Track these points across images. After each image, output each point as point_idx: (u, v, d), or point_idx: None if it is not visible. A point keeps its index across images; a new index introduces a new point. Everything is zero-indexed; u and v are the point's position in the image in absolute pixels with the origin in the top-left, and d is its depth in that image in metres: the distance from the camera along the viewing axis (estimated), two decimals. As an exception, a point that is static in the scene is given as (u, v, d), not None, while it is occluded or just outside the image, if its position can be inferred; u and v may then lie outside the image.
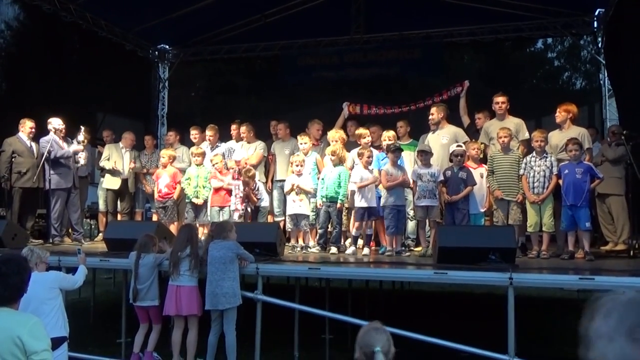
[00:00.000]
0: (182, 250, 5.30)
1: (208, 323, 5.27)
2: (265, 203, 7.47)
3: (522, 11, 10.43)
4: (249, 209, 7.20)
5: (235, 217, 7.17)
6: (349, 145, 7.43)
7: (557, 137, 6.66)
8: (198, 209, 7.54)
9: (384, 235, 6.62)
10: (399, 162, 6.65)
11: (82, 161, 7.91)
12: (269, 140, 8.50)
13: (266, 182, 8.02)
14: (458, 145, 6.59)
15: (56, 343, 3.90)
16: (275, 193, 7.88)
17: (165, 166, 7.87)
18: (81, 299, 8.28)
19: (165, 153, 8.00)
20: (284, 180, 7.51)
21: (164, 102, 13.07)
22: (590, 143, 6.71)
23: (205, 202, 7.55)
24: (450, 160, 6.56)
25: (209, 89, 14.57)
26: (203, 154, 7.84)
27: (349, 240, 7.11)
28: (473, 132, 7.52)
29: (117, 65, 11.32)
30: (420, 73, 11.37)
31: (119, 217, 8.71)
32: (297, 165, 7.05)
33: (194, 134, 8.58)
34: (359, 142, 7.22)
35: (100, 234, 8.60)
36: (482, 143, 7.05)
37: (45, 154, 7.40)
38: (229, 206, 7.36)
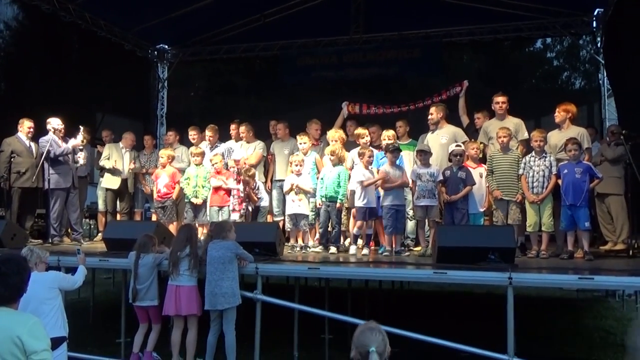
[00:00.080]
0: (181, 250, 5.30)
1: (208, 323, 5.27)
2: (265, 203, 7.47)
3: (522, 11, 10.45)
4: (249, 208, 7.20)
5: (236, 217, 7.16)
6: (349, 145, 7.43)
7: (556, 137, 6.66)
8: (197, 209, 7.54)
9: (384, 235, 6.62)
10: (397, 162, 6.65)
11: (81, 161, 7.90)
12: (268, 140, 8.50)
13: (265, 182, 8.02)
14: (457, 145, 6.59)
15: (56, 343, 3.89)
16: (275, 193, 7.88)
17: (164, 166, 7.86)
18: (81, 298, 8.28)
19: (164, 153, 8.00)
20: (283, 180, 7.51)
21: (163, 102, 13.09)
22: (589, 143, 6.71)
23: (205, 202, 7.55)
24: (450, 160, 6.56)
25: (208, 88, 14.56)
26: (202, 154, 7.84)
27: (348, 240, 7.12)
28: (472, 131, 7.52)
29: (116, 65, 11.32)
30: (419, 73, 11.38)
31: (118, 217, 8.71)
32: (296, 165, 7.05)
33: (192, 134, 8.57)
34: (358, 142, 7.23)
35: (100, 234, 8.60)
36: (481, 143, 7.05)
37: (45, 153, 7.39)
38: (228, 206, 7.36)
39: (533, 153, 6.40)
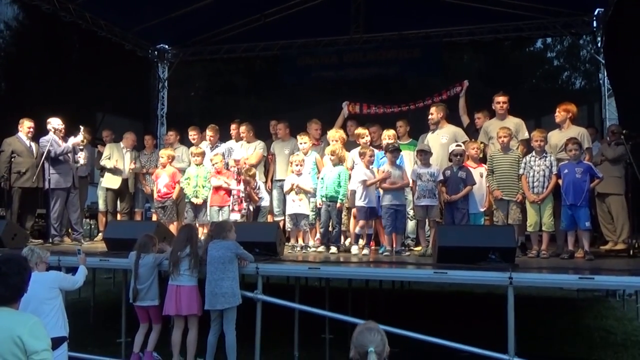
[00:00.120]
0: (181, 250, 5.30)
1: (208, 323, 5.27)
2: (265, 203, 7.47)
3: (522, 11, 10.45)
4: (250, 208, 7.20)
5: (234, 217, 7.15)
6: (349, 145, 7.43)
7: (556, 137, 6.66)
8: (197, 209, 7.54)
9: (384, 235, 6.62)
10: (398, 161, 6.65)
11: (81, 161, 7.90)
12: (268, 140, 8.50)
13: (266, 181, 8.02)
14: (457, 145, 6.59)
15: (56, 343, 3.89)
16: (275, 193, 7.88)
17: (164, 166, 7.87)
18: (81, 298, 8.28)
19: (164, 153, 8.00)
20: (283, 180, 7.51)
21: (164, 102, 13.09)
22: (589, 142, 6.71)
23: (205, 201, 7.55)
24: (450, 160, 6.56)
25: (208, 88, 14.56)
26: (202, 154, 7.84)
27: (348, 240, 7.12)
28: (472, 131, 7.52)
29: (116, 65, 11.32)
30: (419, 73, 11.38)
31: (118, 217, 8.71)
32: (296, 165, 7.05)
33: (192, 134, 8.56)
34: (358, 142, 7.23)
35: (100, 234, 8.60)
36: (481, 142, 7.05)
37: (45, 152, 7.40)
38: (228, 206, 7.36)
39: (533, 153, 6.40)
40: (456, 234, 5.47)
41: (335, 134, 7.24)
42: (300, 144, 7.37)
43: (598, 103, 10.69)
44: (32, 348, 2.51)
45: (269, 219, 7.73)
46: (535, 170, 6.27)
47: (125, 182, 8.66)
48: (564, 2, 10.27)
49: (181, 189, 7.73)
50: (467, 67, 12.94)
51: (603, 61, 10.45)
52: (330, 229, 6.80)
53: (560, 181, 6.14)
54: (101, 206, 8.83)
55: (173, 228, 7.39)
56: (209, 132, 8.40)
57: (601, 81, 10.66)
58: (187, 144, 8.76)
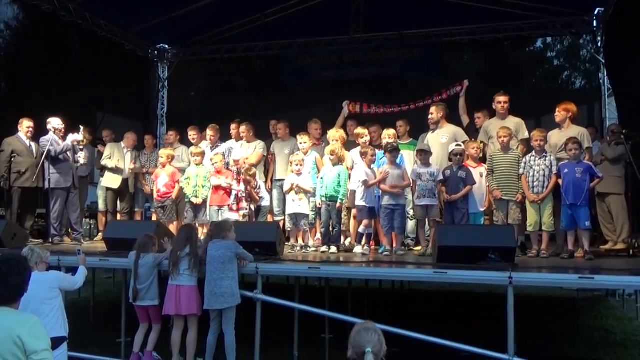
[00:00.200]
0: (181, 250, 5.30)
1: (208, 323, 5.27)
2: (266, 202, 7.47)
3: (522, 10, 10.45)
4: (252, 208, 7.20)
5: (234, 217, 7.14)
6: (349, 144, 7.44)
7: (556, 137, 6.66)
8: (197, 209, 7.53)
9: (384, 234, 6.62)
10: (398, 160, 6.65)
11: (82, 161, 7.90)
12: (268, 140, 8.50)
13: (266, 181, 8.02)
14: (457, 145, 6.59)
15: (56, 343, 3.89)
16: (275, 192, 7.88)
17: (164, 166, 7.86)
18: (81, 298, 8.28)
19: (163, 153, 8.00)
20: (283, 180, 7.51)
21: (164, 101, 13.10)
22: (589, 142, 6.71)
23: (205, 201, 7.55)
24: (450, 160, 6.56)
25: (208, 88, 14.56)
26: (202, 154, 7.83)
27: (348, 240, 7.11)
28: (472, 131, 7.52)
29: (116, 64, 11.32)
30: (419, 72, 11.39)
31: (118, 216, 8.71)
32: (296, 165, 7.05)
33: (192, 134, 8.56)
34: (357, 142, 7.24)
35: (100, 234, 8.60)
36: (481, 142, 7.05)
37: (45, 152, 7.40)
38: (228, 205, 7.36)
39: (533, 152, 6.39)
40: (456, 233, 5.47)
41: (335, 134, 7.24)
42: (300, 143, 7.37)
43: (598, 103, 10.69)
44: (32, 348, 2.51)
45: (269, 218, 7.73)
46: (535, 170, 6.27)
47: (125, 182, 8.66)
48: (564, 2, 10.28)
49: (181, 189, 7.73)
50: (467, 67, 12.94)
51: (603, 61, 10.45)
52: (330, 228, 6.80)
53: (560, 181, 6.14)
54: (101, 206, 8.83)
55: (173, 228, 7.39)
56: (209, 132, 8.40)
57: (601, 81, 10.66)
58: (187, 143, 8.75)
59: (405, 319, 5.25)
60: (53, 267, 5.02)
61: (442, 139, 7.07)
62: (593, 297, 9.53)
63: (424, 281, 7.40)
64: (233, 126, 8.42)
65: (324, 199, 6.68)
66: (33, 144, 7.73)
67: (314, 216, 7.12)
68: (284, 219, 7.38)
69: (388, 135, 7.05)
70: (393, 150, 6.54)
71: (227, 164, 7.80)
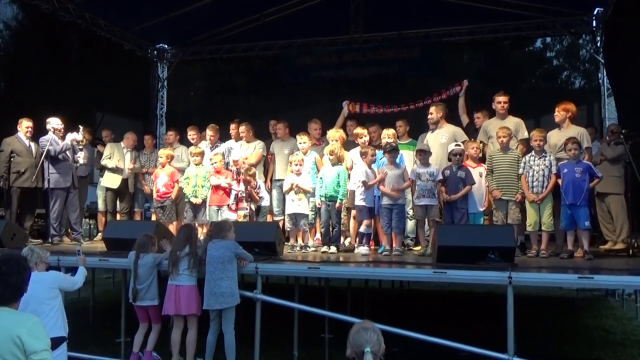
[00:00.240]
0: (180, 250, 5.30)
1: (207, 322, 5.27)
2: (265, 202, 7.47)
3: (521, 10, 10.45)
4: (252, 207, 7.20)
5: (233, 217, 7.14)
6: (348, 144, 7.43)
7: (556, 136, 6.66)
8: (197, 209, 7.53)
9: (384, 234, 6.62)
10: (397, 160, 6.65)
11: (81, 160, 7.90)
12: (268, 140, 8.49)
13: (265, 181, 8.01)
14: (457, 145, 6.59)
15: (55, 343, 3.89)
16: (275, 192, 7.87)
17: (163, 166, 7.86)
18: (80, 298, 8.28)
19: (163, 153, 7.99)
20: (283, 180, 7.51)
21: (163, 101, 13.10)
22: (589, 142, 6.71)
23: (204, 201, 7.54)
24: (449, 160, 6.56)
25: (208, 88, 14.56)
26: (201, 154, 7.83)
27: (348, 240, 7.11)
28: (472, 131, 7.52)
29: (116, 64, 11.32)
30: (419, 72, 11.39)
31: (118, 216, 8.70)
32: (296, 165, 7.05)
33: (191, 134, 8.55)
34: (356, 142, 7.23)
35: (100, 234, 8.60)
36: (480, 142, 7.05)
37: (45, 152, 7.39)
38: (227, 205, 7.35)
39: (533, 152, 6.40)
40: (455, 233, 5.47)
41: (335, 134, 7.24)
42: (300, 143, 7.37)
43: (597, 102, 10.70)
44: (32, 348, 2.51)
45: (269, 218, 7.73)
46: (534, 170, 6.27)
47: (124, 182, 8.65)
48: (564, 2, 10.28)
49: (180, 189, 7.73)
50: (466, 67, 12.94)
51: (602, 61, 10.46)
52: (330, 228, 6.79)
53: (559, 181, 6.14)
54: (100, 206, 8.82)
55: (172, 228, 7.39)
56: (209, 132, 8.40)
57: (600, 81, 10.67)
58: (187, 143, 8.75)
59: (405, 319, 5.25)
60: (53, 267, 5.02)
61: (441, 138, 7.07)
62: (592, 297, 9.53)
63: (423, 281, 7.40)
64: (232, 126, 8.42)
65: (323, 198, 6.68)
66: (32, 144, 7.73)
67: (313, 216, 7.12)
68: (284, 219, 7.38)
69: (387, 135, 7.05)
70: (391, 151, 6.54)
71: (227, 164, 7.80)
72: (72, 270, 5.11)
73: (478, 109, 7.76)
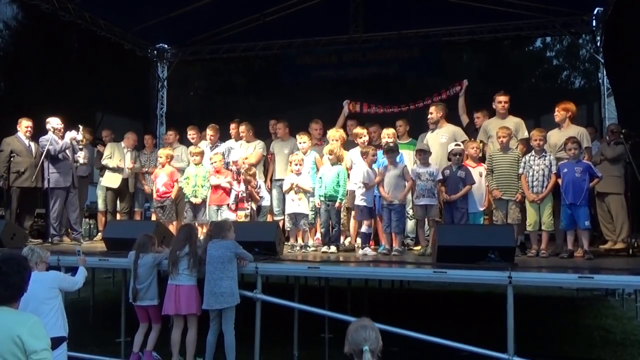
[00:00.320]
0: (180, 250, 5.30)
1: (207, 322, 5.27)
2: (266, 202, 7.47)
3: (521, 10, 10.46)
4: (253, 207, 7.20)
5: (233, 217, 7.14)
6: (348, 144, 7.43)
7: (556, 136, 6.66)
8: (197, 209, 7.53)
9: (384, 234, 6.62)
10: (397, 159, 6.65)
11: (81, 160, 7.90)
12: (268, 140, 8.49)
13: (265, 181, 8.01)
14: (457, 144, 6.59)
15: (55, 343, 3.89)
16: (275, 192, 7.87)
17: (163, 165, 7.86)
18: (80, 298, 8.28)
19: (162, 152, 7.99)
20: (283, 180, 7.51)
21: (163, 101, 13.10)
22: (589, 142, 6.71)
23: (204, 201, 7.54)
24: (449, 159, 6.56)
25: (207, 88, 14.56)
26: (201, 154, 7.83)
27: (348, 240, 7.11)
28: (472, 131, 7.52)
29: (115, 64, 11.32)
30: (419, 72, 11.39)
31: (118, 216, 8.70)
32: (296, 165, 7.05)
33: (191, 134, 8.55)
34: (356, 142, 7.23)
35: (99, 234, 8.59)
36: (480, 141, 7.05)
37: (45, 151, 7.39)
38: (227, 205, 7.35)
39: (533, 152, 6.40)
40: (455, 233, 5.47)
41: (335, 134, 7.24)
42: (300, 143, 7.37)
43: (597, 102, 10.70)
44: (32, 348, 2.51)
45: (269, 218, 7.73)
46: (534, 170, 6.27)
47: (125, 181, 8.65)
48: (564, 2, 10.28)
49: (180, 189, 7.72)
50: (466, 67, 12.95)
51: (602, 60, 10.46)
52: (329, 228, 6.79)
53: (559, 180, 6.14)
54: (100, 206, 8.82)
55: (172, 228, 7.39)
56: (209, 132, 8.40)
57: (600, 80, 10.67)
58: (187, 143, 8.75)
59: (404, 318, 5.25)
60: (53, 267, 5.02)
61: (441, 138, 7.07)
62: (592, 297, 9.53)
63: (423, 281, 7.40)
64: (232, 126, 8.41)
65: (322, 198, 6.68)
66: (32, 144, 7.73)
67: (313, 216, 7.12)
68: (284, 219, 7.38)
69: (387, 135, 7.04)
70: (389, 151, 6.53)
71: (227, 164, 7.79)
72: (72, 270, 5.11)
73: (478, 108, 7.76)
